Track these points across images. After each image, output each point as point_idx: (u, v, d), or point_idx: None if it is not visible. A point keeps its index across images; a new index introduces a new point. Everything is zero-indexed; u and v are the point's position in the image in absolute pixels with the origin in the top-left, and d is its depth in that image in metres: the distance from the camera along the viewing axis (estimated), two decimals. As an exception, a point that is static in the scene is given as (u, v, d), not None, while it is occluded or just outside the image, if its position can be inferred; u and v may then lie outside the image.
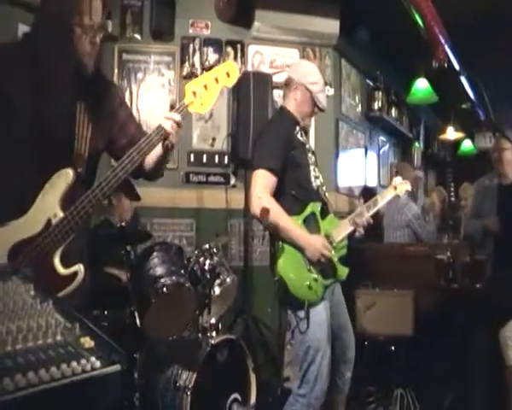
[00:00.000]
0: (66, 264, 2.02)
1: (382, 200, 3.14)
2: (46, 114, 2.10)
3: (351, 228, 3.03)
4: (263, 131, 3.20)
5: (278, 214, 2.86)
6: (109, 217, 3.85)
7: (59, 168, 2.05)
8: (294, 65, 3.52)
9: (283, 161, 2.94)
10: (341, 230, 3.02)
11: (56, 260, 2.01)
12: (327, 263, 2.91)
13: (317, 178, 3.07)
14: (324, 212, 3.04)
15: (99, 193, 2.04)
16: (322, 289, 2.90)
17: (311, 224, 2.94)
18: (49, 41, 2.08)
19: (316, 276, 2.86)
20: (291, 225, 2.87)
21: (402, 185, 3.19)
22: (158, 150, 2.24)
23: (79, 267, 2.00)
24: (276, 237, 2.91)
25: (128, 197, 3.84)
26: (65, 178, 2.04)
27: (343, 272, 3.03)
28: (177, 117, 2.13)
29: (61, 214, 2.01)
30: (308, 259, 2.86)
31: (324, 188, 3.15)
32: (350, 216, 3.07)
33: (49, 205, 2.03)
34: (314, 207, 2.97)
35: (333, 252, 2.93)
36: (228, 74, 2.18)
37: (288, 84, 3.19)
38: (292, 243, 2.87)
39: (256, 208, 2.89)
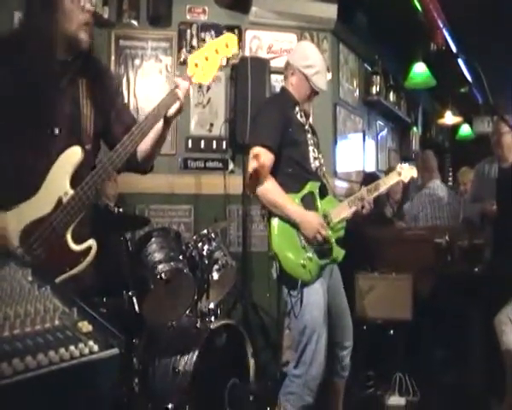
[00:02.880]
0: (76, 241, 2.04)
1: (385, 185, 3.12)
2: (49, 91, 2.11)
3: (350, 210, 3.02)
4: (260, 110, 3.21)
5: (275, 191, 2.88)
6: (108, 203, 3.85)
7: (68, 146, 2.08)
8: (293, 48, 3.50)
9: (280, 138, 2.94)
10: (340, 211, 3.02)
11: (69, 238, 2.03)
12: (323, 243, 2.92)
13: (316, 159, 3.07)
14: (323, 192, 3.04)
15: (109, 167, 2.05)
16: (317, 268, 2.90)
17: (308, 203, 2.95)
18: (41, 14, 2.08)
19: (310, 255, 2.87)
20: (288, 201, 2.88)
21: (407, 171, 3.15)
22: (151, 137, 2.27)
23: (92, 242, 2.03)
24: (272, 214, 2.91)
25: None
26: (73, 156, 2.07)
27: (339, 253, 3.03)
28: (186, 84, 2.18)
29: (71, 192, 2.03)
30: (304, 237, 2.86)
31: (324, 169, 3.15)
32: (350, 198, 3.06)
33: (59, 184, 2.04)
34: (313, 186, 2.97)
35: (330, 232, 2.94)
36: (227, 45, 2.24)
37: (286, 68, 3.18)
38: (288, 219, 2.87)
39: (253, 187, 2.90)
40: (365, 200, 3.01)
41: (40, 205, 2.03)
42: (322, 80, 3.12)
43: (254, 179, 2.89)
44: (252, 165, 2.92)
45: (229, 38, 2.27)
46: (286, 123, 2.97)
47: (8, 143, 2.12)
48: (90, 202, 2.07)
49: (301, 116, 3.10)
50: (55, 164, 2.06)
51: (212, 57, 2.22)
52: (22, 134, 2.11)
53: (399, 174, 3.14)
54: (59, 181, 2.04)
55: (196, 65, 2.20)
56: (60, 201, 2.03)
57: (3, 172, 2.12)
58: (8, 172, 2.11)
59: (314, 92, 3.14)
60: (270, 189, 2.87)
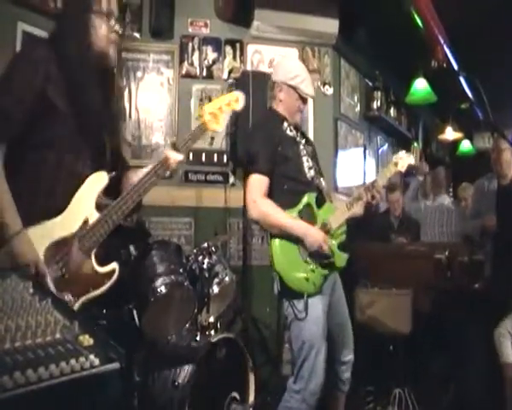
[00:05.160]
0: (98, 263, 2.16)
1: (382, 179, 3.08)
2: (82, 114, 2.16)
3: (348, 213, 3.02)
4: (249, 136, 3.29)
5: (274, 213, 2.89)
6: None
7: (93, 168, 2.19)
8: (274, 67, 3.54)
9: (272, 159, 2.97)
10: (339, 216, 3.02)
11: (93, 259, 2.12)
12: (325, 256, 2.92)
13: (311, 168, 3.07)
14: (320, 200, 3.04)
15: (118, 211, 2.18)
16: (321, 279, 2.91)
17: (306, 215, 2.95)
18: (73, 35, 2.17)
19: (313, 267, 2.88)
20: (288, 219, 2.89)
21: (404, 160, 3.06)
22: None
23: (115, 265, 2.15)
24: (273, 235, 2.92)
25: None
26: (100, 180, 2.18)
27: (342, 259, 3.03)
28: (179, 157, 2.34)
29: (96, 215, 2.12)
30: (305, 249, 2.86)
31: (321, 178, 3.15)
32: (348, 200, 3.05)
33: (85, 206, 2.13)
34: (309, 197, 2.98)
35: (333, 241, 2.94)
36: (237, 100, 2.57)
37: (272, 88, 3.21)
38: (288, 236, 2.88)
39: (253, 213, 2.95)
40: (374, 190, 3.00)
41: (66, 224, 2.10)
42: (309, 87, 3.17)
43: (253, 206, 2.92)
44: (248, 193, 2.97)
45: (239, 95, 2.61)
46: (274, 142, 3.00)
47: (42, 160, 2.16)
48: (114, 226, 2.15)
49: (291, 130, 3.12)
50: (83, 186, 2.14)
51: (224, 109, 2.51)
52: (54, 151, 2.15)
53: (396, 165, 3.06)
54: (85, 203, 2.12)
55: (211, 114, 2.44)
56: (86, 221, 2.10)
57: (28, 190, 2.13)
58: (32, 190, 2.14)
59: (303, 101, 3.17)
60: (268, 212, 2.90)
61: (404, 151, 3.14)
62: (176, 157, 2.32)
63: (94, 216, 2.13)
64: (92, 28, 2.19)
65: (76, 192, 2.14)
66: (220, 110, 2.48)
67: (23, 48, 2.20)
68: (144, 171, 2.32)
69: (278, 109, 3.16)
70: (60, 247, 2.06)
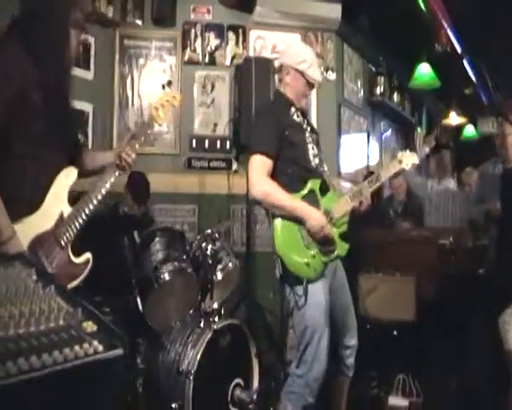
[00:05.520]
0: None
1: (385, 174, 3.08)
2: (54, 112, 2.21)
3: (352, 204, 3.01)
4: (256, 118, 3.28)
5: (276, 192, 2.88)
6: (118, 202, 3.84)
7: (63, 165, 2.28)
8: (283, 51, 3.52)
9: (277, 142, 2.95)
10: (342, 206, 3.01)
11: (69, 251, 2.23)
12: (326, 241, 2.92)
13: (315, 156, 3.07)
14: (324, 189, 3.04)
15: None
16: (322, 265, 2.90)
17: (310, 201, 2.94)
18: (45, 35, 2.19)
19: (314, 252, 2.87)
20: (291, 201, 2.88)
21: (408, 158, 3.08)
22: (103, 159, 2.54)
23: (89, 255, 2.26)
24: (275, 216, 2.92)
25: (135, 201, 3.87)
26: (71, 176, 2.29)
27: (343, 248, 3.02)
28: (132, 156, 2.45)
29: (69, 209, 2.24)
30: (307, 234, 2.86)
31: (325, 166, 3.15)
32: (351, 192, 3.05)
33: (59, 200, 2.23)
34: (313, 184, 2.97)
35: (334, 229, 2.94)
36: (174, 97, 2.68)
37: (279, 71, 3.21)
38: (290, 219, 2.87)
39: (255, 192, 2.92)
40: (363, 195, 3.01)
41: (43, 219, 2.18)
42: (316, 72, 3.15)
43: (255, 186, 2.90)
44: (250, 173, 2.94)
45: (175, 93, 2.74)
46: (281, 126, 2.98)
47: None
48: (88, 218, 2.26)
49: (298, 116, 3.10)
50: (55, 181, 2.23)
51: (165, 104, 2.64)
52: (26, 150, 2.19)
53: (400, 162, 3.07)
54: (59, 198, 2.24)
55: (156, 108, 2.60)
56: (61, 215, 2.20)
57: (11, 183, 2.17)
58: (15, 183, 2.18)
59: (310, 86, 3.16)
60: (270, 191, 2.88)
61: (408, 150, 3.15)
62: (127, 157, 2.43)
63: (68, 210, 2.25)
64: (65, 33, 2.25)
65: (51, 187, 2.23)
66: (162, 106, 2.61)
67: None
68: (107, 155, 2.54)
69: (285, 93, 3.15)
70: (40, 243, 2.15)
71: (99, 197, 2.31)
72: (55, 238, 2.18)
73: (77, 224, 2.23)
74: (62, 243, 2.20)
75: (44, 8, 2.20)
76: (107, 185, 2.36)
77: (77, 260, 2.25)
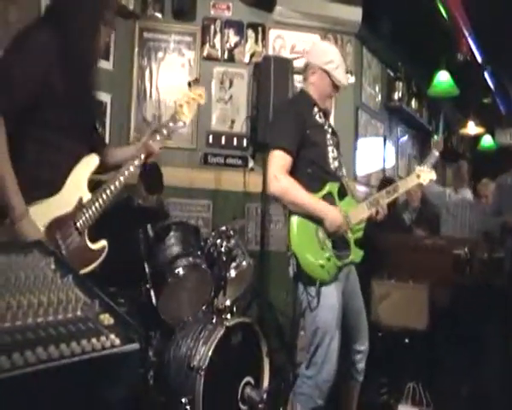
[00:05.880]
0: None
1: (403, 187, 3.09)
2: (78, 102, 2.26)
3: (368, 212, 2.99)
4: (278, 113, 3.25)
5: (295, 190, 2.85)
6: (132, 195, 3.83)
7: (84, 153, 2.32)
8: (310, 49, 3.49)
9: (298, 140, 2.92)
10: (359, 213, 2.99)
11: (86, 237, 2.26)
12: (341, 243, 2.90)
13: (335, 159, 3.04)
14: (342, 193, 3.01)
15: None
16: (335, 269, 2.88)
17: (328, 203, 2.91)
18: (77, 29, 2.23)
19: (329, 255, 2.85)
20: (310, 198, 2.85)
21: (426, 174, 3.11)
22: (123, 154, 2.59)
23: (105, 242, 2.30)
24: (292, 212, 2.89)
25: (148, 191, 3.85)
26: (92, 162, 2.34)
27: (357, 254, 3.00)
28: (156, 150, 2.53)
29: (89, 195, 2.28)
30: (323, 235, 2.84)
31: (344, 170, 3.12)
32: (368, 200, 3.03)
33: (79, 185, 2.27)
34: (332, 187, 2.94)
35: (349, 235, 2.92)
36: (200, 96, 2.75)
37: (305, 69, 3.17)
38: (308, 217, 2.85)
39: (273, 188, 2.89)
40: (379, 204, 2.99)
41: (63, 203, 2.21)
42: (343, 75, 3.11)
43: (274, 181, 2.87)
44: (270, 167, 2.91)
45: (202, 91, 2.77)
46: (304, 124, 2.95)
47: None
48: (106, 205, 2.31)
49: (320, 117, 3.07)
50: (77, 167, 2.27)
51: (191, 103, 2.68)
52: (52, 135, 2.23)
53: (418, 177, 3.11)
54: (79, 183, 2.27)
55: (181, 106, 2.64)
56: (81, 200, 2.24)
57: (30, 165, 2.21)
58: (33, 167, 2.21)
59: (335, 88, 3.12)
60: (290, 188, 2.85)
61: (426, 166, 3.16)
62: (154, 149, 2.51)
63: (87, 196, 2.28)
64: (97, 31, 2.31)
65: (71, 172, 2.26)
66: (187, 103, 2.65)
67: (32, 35, 2.19)
68: (126, 150, 2.64)
69: (309, 92, 3.12)
70: (58, 225, 2.17)
71: (118, 186, 2.36)
72: (73, 222, 2.21)
73: (95, 210, 2.27)
74: (79, 227, 2.23)
75: (79, 3, 2.25)
76: (126, 174, 2.40)
77: (93, 247, 2.28)
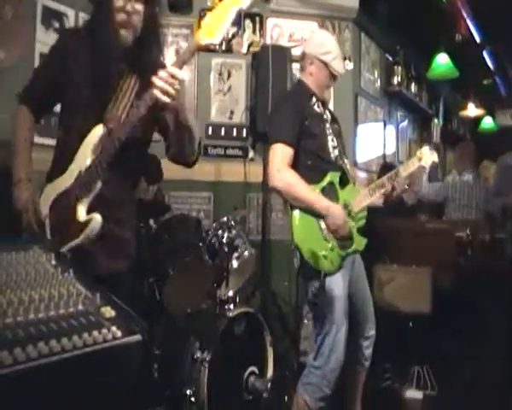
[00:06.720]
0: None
1: (405, 171, 3.08)
2: (89, 81, 2.23)
3: (370, 199, 3.00)
4: (276, 106, 3.24)
5: (297, 184, 2.86)
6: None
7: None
8: (307, 39, 3.49)
9: (298, 132, 2.93)
10: (361, 200, 3.00)
11: (79, 208, 2.09)
12: (344, 236, 2.90)
13: (335, 148, 3.04)
14: (343, 181, 3.02)
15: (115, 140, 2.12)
16: (339, 259, 2.89)
17: (329, 193, 2.93)
18: (96, 13, 2.30)
19: (332, 245, 2.86)
20: (312, 194, 2.86)
21: (428, 156, 3.08)
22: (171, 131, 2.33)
23: (95, 216, 2.04)
24: (294, 206, 2.90)
25: (147, 182, 3.84)
26: (96, 133, 2.16)
27: (360, 243, 3.01)
28: (180, 73, 2.05)
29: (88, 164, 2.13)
30: (325, 227, 2.85)
31: (345, 158, 3.12)
32: (370, 186, 3.04)
33: (82, 159, 2.15)
34: (332, 176, 2.95)
35: (352, 223, 2.93)
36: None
37: (303, 59, 3.17)
38: (309, 211, 2.85)
39: (276, 182, 2.90)
40: (397, 179, 2.99)
41: (66, 179, 2.17)
42: (340, 64, 3.13)
43: (276, 175, 2.88)
44: (271, 161, 2.92)
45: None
46: (302, 116, 2.96)
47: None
48: (102, 175, 2.09)
49: (318, 106, 3.08)
50: (84, 142, 2.17)
51: (222, 14, 1.91)
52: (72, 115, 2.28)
53: (420, 159, 3.08)
54: (83, 157, 2.15)
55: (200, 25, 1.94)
56: (80, 173, 2.13)
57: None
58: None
59: (333, 78, 3.13)
60: (292, 183, 2.86)
61: (427, 148, 3.13)
62: (176, 73, 2.03)
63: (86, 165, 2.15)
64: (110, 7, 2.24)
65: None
66: (218, 18, 1.90)
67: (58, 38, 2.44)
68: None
69: (307, 82, 3.12)
70: (60, 200, 2.17)
71: (112, 149, 2.11)
72: (66, 195, 2.15)
73: (90, 178, 2.09)
74: (71, 199, 2.11)
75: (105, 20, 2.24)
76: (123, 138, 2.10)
77: (82, 219, 2.07)
